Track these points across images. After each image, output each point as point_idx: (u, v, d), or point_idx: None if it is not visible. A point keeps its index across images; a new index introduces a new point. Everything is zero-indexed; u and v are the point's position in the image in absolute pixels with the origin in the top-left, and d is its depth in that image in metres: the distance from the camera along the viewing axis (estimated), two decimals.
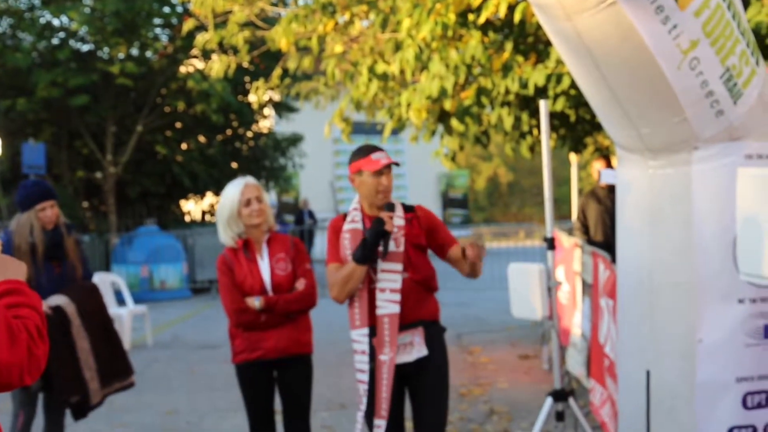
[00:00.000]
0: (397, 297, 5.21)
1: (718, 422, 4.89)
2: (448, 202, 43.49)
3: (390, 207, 5.28)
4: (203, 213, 28.40)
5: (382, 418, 5.19)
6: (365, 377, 5.25)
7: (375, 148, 5.41)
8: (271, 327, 5.73)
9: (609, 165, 11.58)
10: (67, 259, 6.55)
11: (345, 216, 5.48)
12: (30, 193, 6.52)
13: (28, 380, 2.74)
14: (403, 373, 5.29)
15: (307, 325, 5.93)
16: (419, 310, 5.33)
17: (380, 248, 5.21)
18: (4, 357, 2.62)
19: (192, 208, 28.80)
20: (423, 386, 5.33)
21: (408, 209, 5.42)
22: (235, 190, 5.85)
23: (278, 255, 5.87)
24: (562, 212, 26.03)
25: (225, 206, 5.88)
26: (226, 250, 5.94)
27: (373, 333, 5.24)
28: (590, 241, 10.65)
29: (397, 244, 5.24)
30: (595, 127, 11.16)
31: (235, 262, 5.88)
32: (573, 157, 13.51)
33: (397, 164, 5.41)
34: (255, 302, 5.68)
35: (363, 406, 5.28)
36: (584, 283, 9.04)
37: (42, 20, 24.24)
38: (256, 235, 5.87)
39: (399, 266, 5.24)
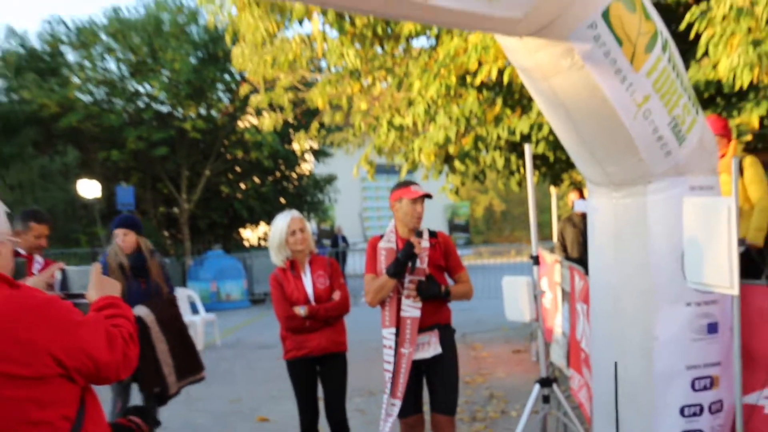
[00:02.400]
0: (419, 305, 5.23)
1: (672, 402, 4.85)
2: (453, 228, 43.39)
3: (419, 234, 5.32)
4: (258, 239, 28.47)
5: (398, 398, 5.21)
6: (390, 367, 5.27)
7: (413, 183, 5.48)
8: (314, 330, 5.75)
9: (581, 196, 11.57)
10: (151, 277, 6.59)
11: (381, 236, 5.51)
12: (112, 224, 6.63)
13: (123, 375, 2.86)
14: (422, 367, 5.31)
15: (342, 328, 5.93)
16: (436, 315, 5.35)
17: (409, 265, 5.23)
18: (104, 357, 2.74)
19: (249, 235, 28.85)
20: (438, 377, 5.34)
21: (432, 235, 5.45)
22: (283, 222, 5.88)
23: (318, 272, 5.89)
24: (544, 234, 25.81)
25: (275, 235, 5.91)
26: (276, 270, 5.96)
27: (398, 332, 5.25)
28: (568, 258, 10.62)
29: (421, 263, 5.27)
30: (570, 165, 11.12)
31: (284, 278, 5.89)
32: (553, 190, 13.46)
33: (430, 196, 5.44)
34: (300, 311, 5.70)
35: (388, 391, 5.28)
36: (563, 292, 9.00)
37: (130, 88, 24.43)
38: (300, 257, 5.89)
39: (422, 280, 5.27)
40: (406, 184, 5.46)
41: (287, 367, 5.96)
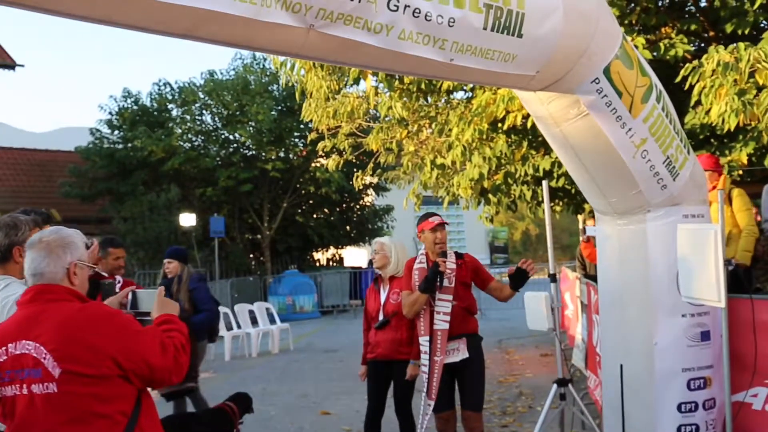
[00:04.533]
0: (448, 318, 5.19)
1: (670, 400, 4.77)
2: (494, 249, 43.17)
3: (443, 254, 5.29)
4: (328, 260, 28.59)
5: (432, 399, 5.18)
6: (426, 369, 5.23)
7: (432, 214, 5.46)
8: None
9: (584, 228, 11.46)
10: (176, 299, 6.40)
11: (415, 259, 5.49)
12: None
13: (176, 379, 2.89)
14: (453, 370, 5.26)
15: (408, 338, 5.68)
16: (463, 326, 5.30)
17: (438, 283, 5.21)
18: (158, 362, 2.79)
19: (320, 257, 29.02)
20: (467, 378, 5.28)
21: (458, 256, 5.41)
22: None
23: (395, 289, 5.72)
24: (573, 254, 25.47)
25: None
26: (372, 282, 6.04)
27: (431, 340, 5.23)
28: (586, 275, 10.48)
29: (449, 282, 5.24)
30: None
31: (370, 290, 5.96)
32: (580, 217, 13.31)
33: (447, 223, 5.43)
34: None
35: (424, 390, 5.26)
36: (582, 304, 8.90)
37: (222, 136, 24.90)
38: (383, 274, 5.87)
39: (450, 297, 5.23)
40: (426, 216, 5.44)
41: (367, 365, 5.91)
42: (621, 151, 4.47)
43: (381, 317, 5.75)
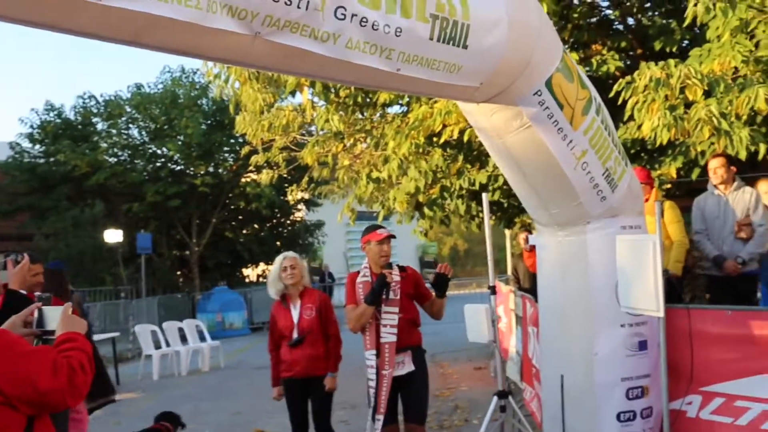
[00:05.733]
0: (395, 330, 5.16)
1: (610, 409, 4.82)
2: (423, 264, 43.28)
3: (389, 266, 5.26)
4: (257, 276, 28.26)
5: (381, 413, 5.11)
6: (373, 383, 5.18)
7: (379, 226, 5.44)
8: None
9: (527, 236, 11.61)
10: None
11: (358, 272, 5.44)
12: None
13: (72, 403, 2.61)
14: (398, 383, 5.22)
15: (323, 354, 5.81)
16: (409, 339, 5.28)
17: (383, 296, 5.17)
18: (47, 384, 2.51)
19: (250, 273, 28.68)
20: (412, 391, 5.25)
21: (401, 269, 5.38)
22: (279, 260, 5.87)
23: (307, 305, 5.79)
24: (500, 269, 25.80)
25: (273, 272, 5.89)
26: (274, 303, 5.92)
27: (377, 354, 5.18)
28: (521, 288, 10.59)
29: (395, 294, 5.21)
30: (521, 210, 11.12)
31: (277, 311, 5.88)
32: (507, 232, 13.49)
33: (394, 236, 5.40)
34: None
35: (372, 404, 5.20)
36: (516, 317, 8.97)
37: (150, 151, 24.40)
38: (293, 291, 5.82)
39: (396, 309, 5.20)
40: (373, 228, 5.40)
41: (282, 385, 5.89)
42: (562, 163, 4.52)
43: (295, 335, 5.72)
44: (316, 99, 9.92)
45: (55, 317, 2.93)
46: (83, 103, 24.34)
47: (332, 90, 9.42)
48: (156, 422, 6.20)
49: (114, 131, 24.11)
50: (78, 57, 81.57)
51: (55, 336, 2.83)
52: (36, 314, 2.99)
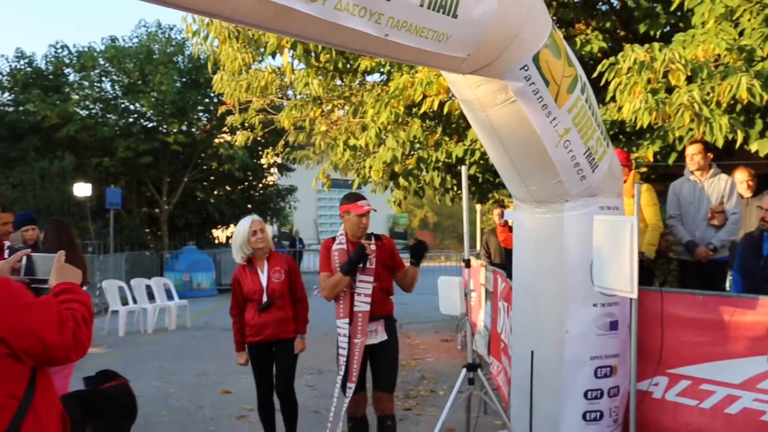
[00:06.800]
0: (368, 300, 5.13)
1: (578, 387, 4.86)
2: (393, 235, 43.33)
3: (369, 237, 5.21)
4: (227, 238, 28.08)
5: (353, 382, 5.11)
6: (345, 353, 5.16)
7: (361, 197, 5.34)
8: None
9: (503, 213, 11.66)
10: None
11: (334, 239, 5.38)
12: (17, 220, 6.36)
13: (75, 357, 2.54)
14: (369, 351, 5.22)
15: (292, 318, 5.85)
16: (382, 308, 5.26)
17: (360, 265, 5.14)
18: (53, 338, 2.44)
19: (219, 234, 28.53)
20: (383, 360, 5.25)
21: (377, 237, 5.32)
22: (246, 224, 5.79)
23: (275, 268, 5.79)
24: (471, 243, 25.96)
25: (238, 235, 5.80)
26: (238, 267, 5.86)
27: (350, 323, 5.16)
28: (491, 263, 10.66)
29: (371, 263, 5.18)
30: (495, 185, 11.19)
31: (242, 275, 5.84)
32: (478, 207, 13.50)
33: (374, 210, 5.34)
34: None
35: (341, 373, 5.19)
36: (487, 291, 9.02)
37: (122, 105, 24.01)
38: (260, 255, 5.79)
39: (371, 278, 5.17)
40: (354, 198, 5.31)
41: (248, 348, 5.89)
42: (544, 140, 4.49)
43: (265, 298, 5.71)
44: (296, 62, 9.79)
45: (44, 265, 2.79)
46: (55, 52, 23.80)
47: (313, 54, 9.29)
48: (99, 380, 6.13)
49: (86, 83, 23.61)
50: (51, 4, 79.80)
51: (47, 285, 2.72)
52: (24, 261, 2.82)
